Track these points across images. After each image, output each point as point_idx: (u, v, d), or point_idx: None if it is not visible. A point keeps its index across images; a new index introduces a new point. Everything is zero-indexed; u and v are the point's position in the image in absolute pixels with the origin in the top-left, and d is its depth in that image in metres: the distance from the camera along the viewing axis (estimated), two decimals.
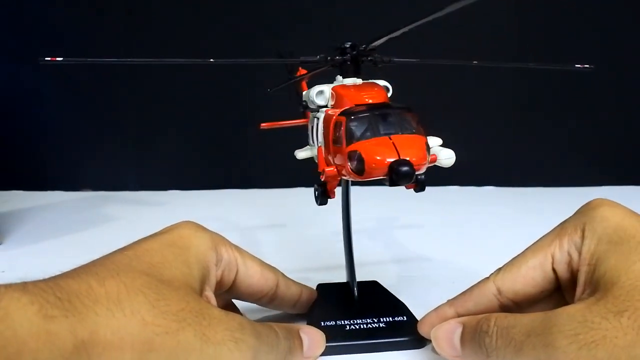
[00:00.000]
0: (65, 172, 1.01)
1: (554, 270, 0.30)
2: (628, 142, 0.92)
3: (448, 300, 0.34)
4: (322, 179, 0.33)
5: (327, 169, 0.32)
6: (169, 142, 0.99)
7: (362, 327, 0.36)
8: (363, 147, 0.29)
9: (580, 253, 0.29)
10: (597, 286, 0.26)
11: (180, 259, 0.29)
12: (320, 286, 0.43)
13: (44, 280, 0.23)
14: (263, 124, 0.44)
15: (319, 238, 0.64)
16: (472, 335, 0.29)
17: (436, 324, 0.33)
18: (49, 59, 0.33)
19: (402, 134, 0.30)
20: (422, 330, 0.34)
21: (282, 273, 0.37)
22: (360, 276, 0.42)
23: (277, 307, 0.38)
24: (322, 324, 0.36)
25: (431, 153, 0.32)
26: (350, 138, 0.30)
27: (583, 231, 0.29)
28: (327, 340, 0.34)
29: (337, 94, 0.34)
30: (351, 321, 0.37)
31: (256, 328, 0.28)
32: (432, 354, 0.33)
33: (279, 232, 0.67)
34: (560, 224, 0.31)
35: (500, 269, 0.33)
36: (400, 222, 0.69)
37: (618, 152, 0.92)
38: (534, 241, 0.32)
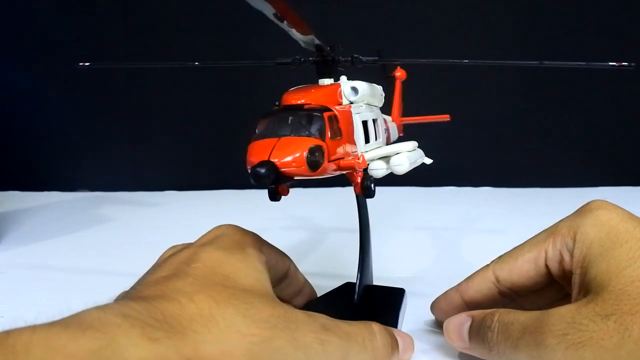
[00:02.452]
0: (62, 172, 1.01)
1: (546, 266, 0.32)
2: (627, 142, 0.93)
3: (455, 286, 0.36)
4: None
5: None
6: (166, 142, 0.99)
7: None
8: (250, 147, 0.29)
9: (572, 255, 0.30)
10: (589, 289, 0.27)
11: (250, 267, 0.29)
12: (344, 285, 0.43)
13: (135, 301, 0.23)
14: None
15: (317, 239, 0.64)
16: (478, 329, 0.31)
17: (444, 308, 0.36)
18: (81, 64, 0.35)
19: (293, 136, 0.29)
20: (433, 313, 0.37)
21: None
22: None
23: (284, 291, 0.37)
24: None
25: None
26: (252, 138, 0.30)
27: (575, 234, 0.30)
28: None
29: (283, 96, 0.33)
30: None
31: (341, 327, 0.28)
32: None
33: (278, 233, 0.67)
34: (557, 222, 0.32)
35: (500, 257, 0.34)
36: (397, 223, 0.69)
37: (616, 153, 0.93)
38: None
